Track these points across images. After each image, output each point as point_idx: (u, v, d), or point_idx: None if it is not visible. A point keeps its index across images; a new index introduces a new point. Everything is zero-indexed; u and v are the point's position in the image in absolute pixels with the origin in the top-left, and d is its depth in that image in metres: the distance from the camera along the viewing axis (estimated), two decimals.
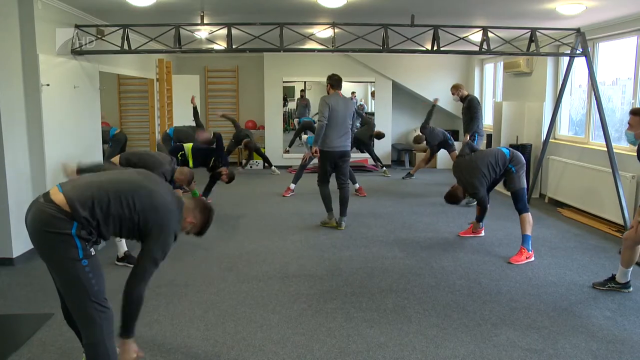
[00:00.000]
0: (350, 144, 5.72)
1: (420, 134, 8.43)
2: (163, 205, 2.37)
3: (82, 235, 2.19)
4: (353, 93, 11.38)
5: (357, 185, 7.69)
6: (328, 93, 5.69)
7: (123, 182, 2.37)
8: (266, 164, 9.92)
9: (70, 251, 2.17)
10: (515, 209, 4.73)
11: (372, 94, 9.61)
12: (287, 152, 10.65)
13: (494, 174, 4.75)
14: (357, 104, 10.57)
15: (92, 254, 2.25)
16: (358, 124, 9.30)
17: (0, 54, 4.35)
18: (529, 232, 4.63)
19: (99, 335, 2.22)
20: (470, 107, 7.10)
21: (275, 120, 10.51)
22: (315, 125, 6.33)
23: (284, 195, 7.59)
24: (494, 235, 5.47)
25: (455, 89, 7.36)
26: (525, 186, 4.75)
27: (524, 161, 4.80)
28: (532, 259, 4.62)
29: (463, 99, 7.28)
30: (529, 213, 4.68)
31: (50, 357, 2.92)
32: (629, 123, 3.81)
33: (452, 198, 4.99)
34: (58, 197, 2.19)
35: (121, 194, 2.27)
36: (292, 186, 7.68)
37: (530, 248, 4.64)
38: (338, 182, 5.72)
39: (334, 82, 5.63)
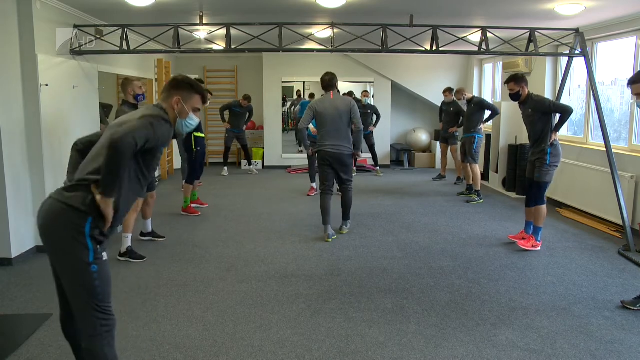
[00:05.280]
0: (347, 148, 5.26)
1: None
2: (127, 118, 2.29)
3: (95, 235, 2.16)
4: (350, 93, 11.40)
5: (314, 185, 7.66)
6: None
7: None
8: (248, 161, 9.93)
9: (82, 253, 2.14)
10: (533, 200, 4.94)
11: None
12: (300, 152, 10.96)
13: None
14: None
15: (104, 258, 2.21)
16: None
17: None
18: (540, 224, 4.96)
19: (98, 344, 2.19)
20: (483, 104, 7.46)
21: (274, 120, 10.51)
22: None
23: (309, 195, 7.61)
24: (494, 236, 5.48)
25: (459, 93, 7.68)
26: (550, 182, 4.93)
27: (560, 159, 4.96)
28: (539, 248, 4.97)
29: (469, 101, 7.53)
30: (544, 206, 4.92)
31: (49, 358, 2.92)
32: (634, 94, 3.43)
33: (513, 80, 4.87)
34: None
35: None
36: (315, 185, 7.63)
37: (539, 239, 5.01)
38: (339, 184, 5.45)
39: (323, 84, 5.35)
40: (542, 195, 4.90)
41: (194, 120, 2.44)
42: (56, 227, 2.16)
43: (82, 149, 2.45)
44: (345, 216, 5.55)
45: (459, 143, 8.22)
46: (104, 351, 2.19)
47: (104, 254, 2.23)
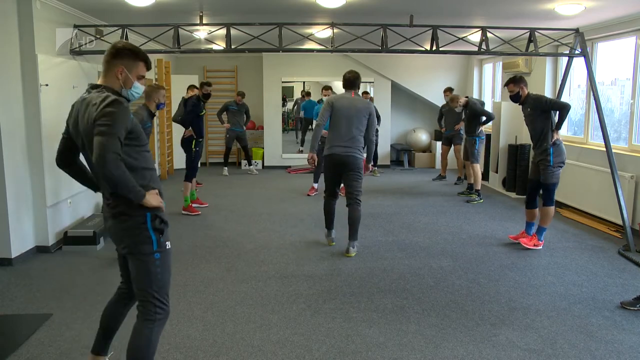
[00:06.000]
0: (358, 153, 4.82)
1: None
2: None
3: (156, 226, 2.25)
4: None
5: (315, 185, 7.65)
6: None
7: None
8: (248, 162, 9.93)
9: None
10: (541, 200, 4.94)
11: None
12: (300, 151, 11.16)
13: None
14: None
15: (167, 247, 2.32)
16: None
17: None
18: (546, 224, 4.98)
19: (149, 327, 2.30)
20: (477, 112, 7.33)
21: (274, 120, 10.51)
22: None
23: (308, 195, 7.60)
24: (494, 236, 5.48)
25: (454, 102, 7.62)
26: (556, 182, 4.91)
27: (564, 159, 4.90)
28: (540, 247, 5.00)
29: (465, 106, 7.50)
30: (552, 207, 4.92)
31: (48, 358, 2.92)
32: None
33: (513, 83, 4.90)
34: None
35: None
36: (316, 185, 7.63)
37: (542, 238, 5.04)
38: (347, 198, 4.88)
39: (344, 82, 4.91)
40: (550, 197, 4.88)
41: (139, 88, 2.41)
42: (125, 234, 2.26)
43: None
44: (352, 236, 4.85)
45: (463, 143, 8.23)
46: (151, 337, 2.31)
47: (167, 243, 2.32)
